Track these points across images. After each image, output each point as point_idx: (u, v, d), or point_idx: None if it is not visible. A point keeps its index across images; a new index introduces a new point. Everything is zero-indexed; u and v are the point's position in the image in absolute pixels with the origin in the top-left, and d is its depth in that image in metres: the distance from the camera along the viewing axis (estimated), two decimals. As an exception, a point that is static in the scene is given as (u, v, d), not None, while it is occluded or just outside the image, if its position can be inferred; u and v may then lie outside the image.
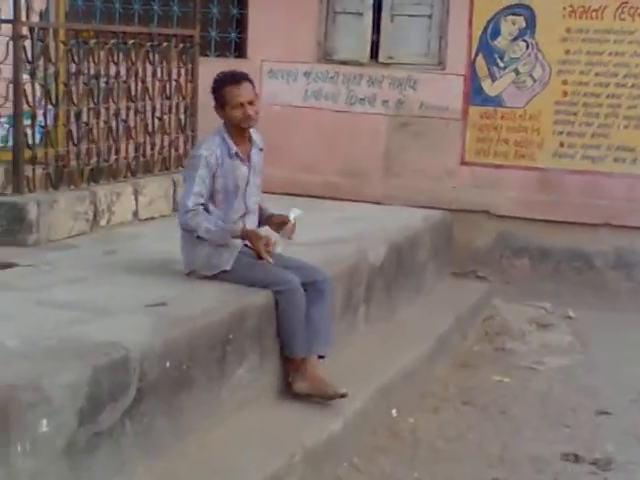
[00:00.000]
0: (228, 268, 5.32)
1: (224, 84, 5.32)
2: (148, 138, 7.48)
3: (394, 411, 5.89)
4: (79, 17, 10.44)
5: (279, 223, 5.46)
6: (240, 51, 10.47)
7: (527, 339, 7.62)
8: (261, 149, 5.60)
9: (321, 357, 5.37)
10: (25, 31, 6.27)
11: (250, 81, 5.41)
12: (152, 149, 7.54)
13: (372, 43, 10.05)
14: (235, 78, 5.35)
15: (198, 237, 5.24)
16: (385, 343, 6.46)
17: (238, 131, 5.38)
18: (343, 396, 5.19)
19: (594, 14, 9.27)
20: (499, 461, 5.44)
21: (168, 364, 4.33)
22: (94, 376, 3.86)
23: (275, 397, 5.28)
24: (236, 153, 5.37)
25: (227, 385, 4.85)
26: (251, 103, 5.30)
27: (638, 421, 6.18)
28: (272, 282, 5.24)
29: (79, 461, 3.80)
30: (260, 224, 5.58)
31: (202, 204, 5.25)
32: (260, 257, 5.22)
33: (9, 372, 3.71)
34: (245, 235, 5.30)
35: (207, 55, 10.00)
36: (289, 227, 5.39)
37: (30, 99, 6.32)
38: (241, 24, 10.49)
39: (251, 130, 5.48)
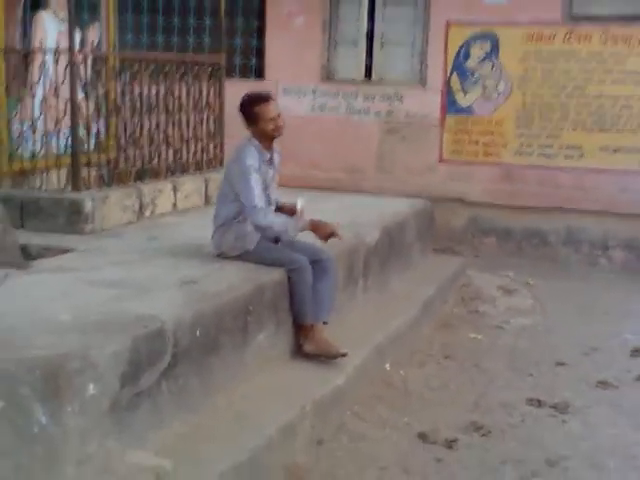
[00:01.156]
0: (251, 248, 5.03)
1: (255, 103, 5.01)
2: (184, 145, 7.18)
3: (387, 365, 5.59)
4: (128, 48, 10.22)
5: (289, 211, 5.19)
6: (259, 73, 10.19)
7: (496, 303, 7.32)
8: (279, 153, 5.30)
9: (325, 323, 5.09)
10: (79, 59, 5.97)
11: (274, 99, 5.14)
12: (187, 153, 7.24)
13: (366, 66, 9.87)
14: (264, 97, 5.07)
15: (265, 231, 4.97)
16: (380, 310, 6.17)
17: (269, 141, 5.09)
18: (344, 355, 4.93)
19: (547, 39, 9.00)
20: (475, 407, 5.15)
21: (198, 332, 4.03)
22: (134, 345, 3.57)
23: (289, 358, 4.97)
24: (268, 160, 5.11)
25: (249, 349, 4.55)
26: (279, 116, 5.03)
27: (590, 371, 5.87)
28: (285, 262, 4.95)
29: (122, 418, 3.51)
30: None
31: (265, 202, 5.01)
32: (327, 238, 5.03)
33: (61, 343, 3.43)
34: (313, 226, 5.01)
35: (232, 76, 9.70)
36: (298, 214, 5.13)
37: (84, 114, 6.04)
38: (260, 52, 10.22)
39: None
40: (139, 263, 5.01)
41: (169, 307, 4.03)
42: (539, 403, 5.22)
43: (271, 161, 5.17)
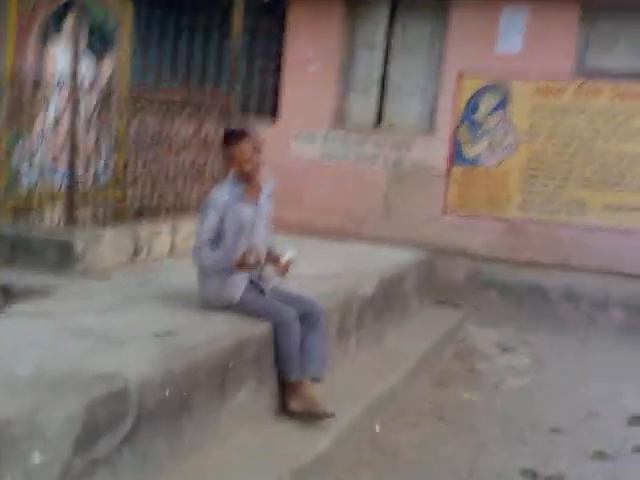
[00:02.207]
0: (235, 300, 4.54)
1: (231, 143, 4.55)
2: (186, 185, 6.72)
3: (377, 426, 5.05)
4: (141, 76, 9.85)
5: (274, 260, 4.67)
6: (274, 115, 9.74)
7: (493, 360, 6.77)
8: (269, 195, 4.77)
9: (317, 380, 4.57)
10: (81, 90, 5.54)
11: (252, 135, 4.58)
12: (189, 193, 6.78)
13: (377, 113, 9.41)
14: (238, 136, 4.55)
15: (203, 270, 4.54)
16: (373, 365, 5.65)
17: (247, 179, 4.59)
18: (330, 416, 4.40)
19: (557, 93, 8.56)
20: (468, 475, 4.60)
21: (167, 392, 3.53)
22: (91, 407, 3.07)
23: (271, 417, 4.44)
24: (243, 196, 4.58)
25: (226, 408, 4.04)
26: (257, 151, 4.53)
27: (586, 439, 5.31)
28: (272, 314, 4.46)
29: (73, 489, 3.01)
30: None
31: (211, 240, 4.51)
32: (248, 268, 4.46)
33: (9, 403, 2.94)
34: (240, 259, 4.43)
35: (247, 115, 9.27)
36: (281, 266, 4.60)
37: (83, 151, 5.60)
38: (276, 94, 9.79)
39: (263, 179, 4.70)
40: (121, 310, 4.53)
41: (138, 363, 3.54)
42: (534, 475, 4.68)
43: (255, 202, 4.64)
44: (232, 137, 4.57)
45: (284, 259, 4.59)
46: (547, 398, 6.05)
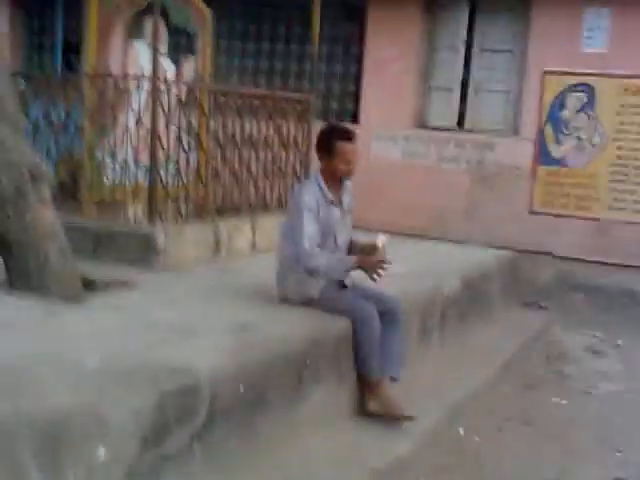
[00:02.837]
0: (315, 295, 4.26)
1: (339, 137, 4.21)
2: (267, 182, 6.48)
3: (461, 430, 4.68)
4: (225, 79, 9.76)
5: (369, 250, 4.31)
6: (355, 118, 9.46)
7: (582, 365, 6.26)
8: (351, 196, 4.48)
9: (394, 380, 4.24)
10: (162, 87, 5.36)
11: (356, 136, 4.31)
12: (271, 191, 6.54)
13: (459, 113, 8.97)
14: (349, 135, 4.24)
15: (314, 273, 4.18)
16: (457, 365, 5.27)
17: (337, 180, 4.30)
18: (410, 419, 4.06)
19: (645, 92, 8.00)
20: (556, 484, 4.20)
21: (242, 388, 3.27)
22: (160, 402, 2.84)
23: (350, 418, 4.12)
24: (332, 200, 4.29)
25: (304, 407, 3.76)
26: (355, 159, 4.26)
27: (683, 447, 4.83)
28: (351, 310, 4.15)
29: (141, 486, 2.77)
30: (350, 254, 4.46)
31: (317, 244, 4.17)
32: (375, 271, 4.12)
33: (75, 395, 2.72)
34: (361, 261, 4.16)
35: (327, 120, 9.04)
36: (379, 252, 4.23)
37: (165, 146, 5.42)
38: (356, 97, 9.51)
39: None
40: (197, 303, 4.31)
41: (212, 357, 3.29)
42: (628, 485, 4.24)
43: (339, 202, 4.37)
44: (342, 133, 4.24)
45: (379, 243, 4.24)
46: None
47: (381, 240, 4.29)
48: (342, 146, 4.20)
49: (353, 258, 4.23)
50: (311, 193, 4.23)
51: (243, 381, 3.28)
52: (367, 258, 4.17)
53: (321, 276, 4.18)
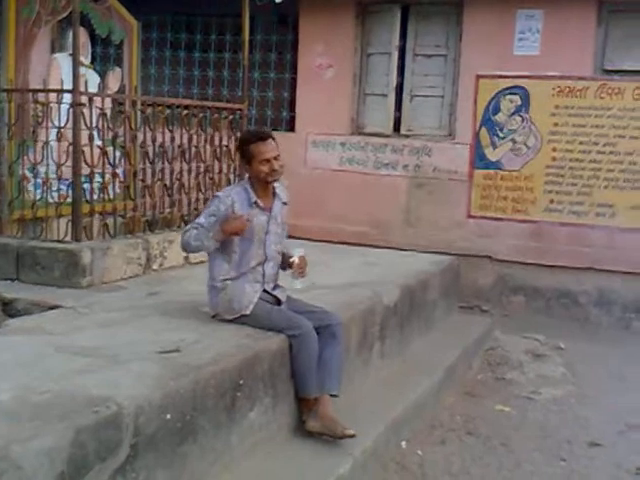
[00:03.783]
0: (247, 313, 4.08)
1: (251, 141, 4.10)
2: (200, 194, 6.27)
3: (404, 443, 4.55)
4: (155, 89, 9.52)
5: (285, 262, 4.23)
6: (291, 126, 9.31)
7: (524, 369, 6.19)
8: (284, 203, 4.32)
9: (333, 396, 4.07)
10: (84, 100, 5.12)
11: (274, 138, 4.17)
12: (204, 203, 6.32)
13: (395, 119, 8.89)
14: (261, 136, 4.13)
15: (186, 248, 4.17)
16: (398, 376, 5.14)
17: (262, 184, 4.14)
18: (351, 436, 3.89)
19: (578, 93, 8.03)
20: (501, 497, 4.09)
21: (169, 416, 3.06)
22: (77, 437, 2.62)
23: (288, 437, 3.95)
24: (255, 202, 4.13)
25: (237, 430, 3.56)
26: (276, 158, 4.08)
27: (627, 453, 4.78)
28: (287, 326, 3.98)
29: (56, 530, 2.54)
30: (277, 286, 4.29)
31: (204, 226, 4.05)
32: (237, 233, 3.99)
33: (-17, 434, 2.49)
34: (223, 227, 3.99)
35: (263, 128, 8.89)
36: (295, 266, 4.16)
37: (89, 160, 5.17)
38: (292, 105, 9.38)
39: (277, 186, 4.24)
40: (125, 324, 4.08)
41: (136, 384, 3.07)
42: (574, 495, 4.15)
43: (268, 209, 4.20)
44: (253, 136, 4.15)
45: (294, 260, 4.13)
46: (584, 409, 5.52)
47: (297, 255, 4.18)
48: (256, 147, 4.08)
49: (218, 229, 4.01)
50: (230, 193, 4.13)
51: (171, 409, 3.07)
52: (229, 221, 3.99)
53: (193, 248, 4.12)
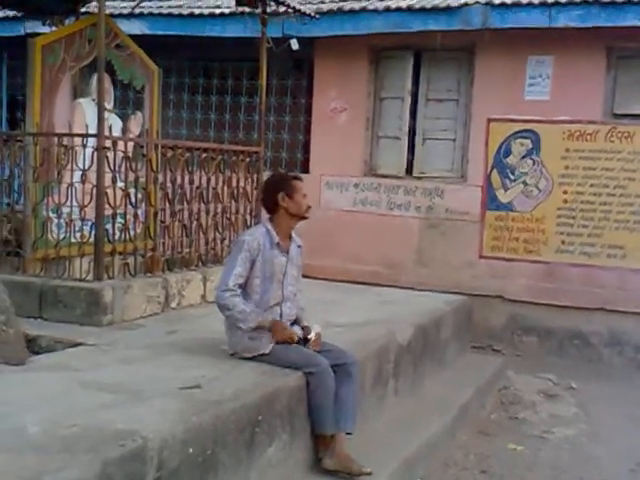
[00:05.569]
0: (267, 351, 4.17)
1: (292, 179, 4.37)
2: (218, 234, 6.40)
3: (418, 481, 4.60)
4: (174, 133, 9.70)
5: (304, 331, 4.33)
6: (305, 168, 9.48)
7: (537, 409, 6.23)
8: (299, 246, 4.46)
9: (349, 434, 4.14)
10: (108, 144, 5.28)
11: (301, 179, 4.45)
12: (221, 243, 6.45)
13: (407, 161, 9.05)
14: (297, 176, 4.45)
15: (227, 317, 4.18)
16: (412, 414, 5.19)
17: (294, 221, 4.33)
18: (367, 474, 3.96)
19: (588, 137, 8.16)
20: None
21: (191, 450, 3.14)
22: (104, 469, 2.70)
23: (305, 474, 4.00)
24: (277, 243, 4.27)
25: (256, 465, 3.63)
26: (305, 196, 4.35)
27: (640, 493, 4.81)
28: (304, 364, 4.06)
29: None
30: (295, 323, 4.40)
31: (240, 285, 4.16)
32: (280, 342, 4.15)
33: (13, 464, 2.58)
34: (273, 326, 4.15)
35: (279, 170, 9.08)
36: (312, 342, 4.23)
37: (112, 202, 5.32)
38: (306, 147, 9.55)
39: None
40: (146, 361, 4.17)
41: (159, 419, 3.16)
42: (588, 533, 4.18)
43: (286, 250, 4.33)
44: (294, 176, 4.42)
45: (311, 336, 4.25)
46: (595, 448, 5.55)
47: (314, 331, 4.29)
48: (297, 183, 4.33)
49: (270, 318, 4.17)
50: (255, 235, 4.26)
51: (193, 443, 3.15)
52: (281, 325, 4.16)
53: (227, 317, 4.17)
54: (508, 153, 8.49)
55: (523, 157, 8.43)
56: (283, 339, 4.12)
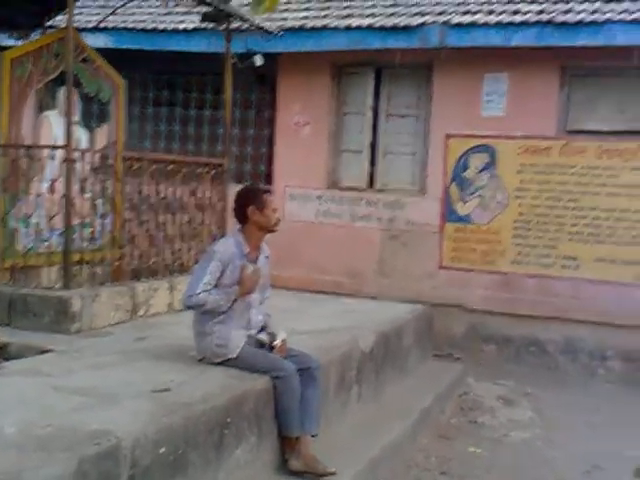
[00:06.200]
0: (234, 356, 4.28)
1: (264, 192, 4.50)
2: (184, 244, 6.50)
3: (380, 483, 4.73)
4: (139, 144, 9.76)
5: (269, 338, 4.44)
6: (268, 180, 9.60)
7: (496, 414, 6.41)
8: (267, 256, 4.58)
9: (313, 436, 4.27)
10: (76, 155, 5.36)
11: (271, 192, 4.64)
12: (188, 252, 6.55)
13: (369, 174, 9.24)
14: (268, 190, 4.75)
15: (204, 312, 4.30)
16: (374, 419, 5.33)
17: (262, 233, 4.44)
18: (332, 474, 4.09)
19: (543, 152, 8.41)
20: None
21: (163, 449, 3.24)
22: (80, 467, 2.79)
23: (272, 474, 4.12)
24: (247, 254, 4.38)
25: (224, 466, 3.73)
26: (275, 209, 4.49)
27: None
28: (272, 369, 4.19)
29: None
30: (262, 330, 4.52)
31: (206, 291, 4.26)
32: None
33: (-7, 464, 2.66)
34: (243, 291, 4.30)
35: (242, 182, 9.16)
36: (278, 348, 4.36)
37: (79, 212, 5.40)
38: (270, 159, 9.67)
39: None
40: (116, 367, 4.26)
41: (131, 420, 3.26)
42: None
43: (255, 260, 4.45)
44: (263, 189, 4.55)
45: (277, 342, 4.37)
46: (551, 451, 5.72)
47: (281, 338, 4.41)
48: (268, 197, 4.47)
49: (235, 288, 4.27)
50: (226, 245, 4.36)
51: (164, 443, 3.25)
52: (245, 280, 4.27)
53: (208, 311, 4.26)
54: (466, 167, 8.71)
55: (480, 171, 8.65)
56: (249, 289, 4.28)
